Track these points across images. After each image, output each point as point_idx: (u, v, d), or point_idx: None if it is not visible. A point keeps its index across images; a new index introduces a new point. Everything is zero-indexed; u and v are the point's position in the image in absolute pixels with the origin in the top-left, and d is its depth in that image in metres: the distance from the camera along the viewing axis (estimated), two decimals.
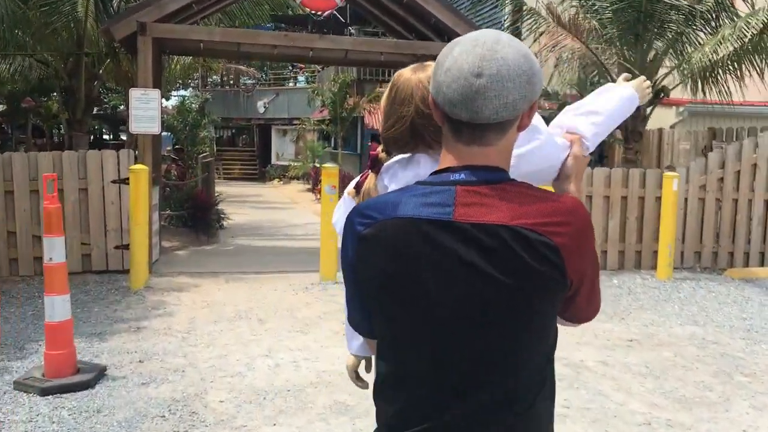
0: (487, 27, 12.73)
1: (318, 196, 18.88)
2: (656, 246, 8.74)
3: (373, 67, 16.67)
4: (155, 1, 8.00)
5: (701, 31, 9.84)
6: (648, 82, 1.92)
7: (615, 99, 1.79)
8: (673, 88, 10.04)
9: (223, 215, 12.37)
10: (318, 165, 21.73)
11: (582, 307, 1.33)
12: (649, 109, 10.00)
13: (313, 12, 8.56)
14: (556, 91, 12.26)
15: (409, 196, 1.26)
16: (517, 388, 1.24)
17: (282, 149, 29.89)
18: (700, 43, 9.71)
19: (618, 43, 9.85)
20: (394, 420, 1.31)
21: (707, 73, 9.59)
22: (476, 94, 1.18)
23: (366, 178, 1.74)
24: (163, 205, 10.42)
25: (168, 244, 9.76)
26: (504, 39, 1.22)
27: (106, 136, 32.64)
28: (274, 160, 29.58)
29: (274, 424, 3.95)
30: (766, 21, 8.79)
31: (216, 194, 13.15)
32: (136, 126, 8.08)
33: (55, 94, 16.02)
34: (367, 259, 1.27)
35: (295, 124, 25.58)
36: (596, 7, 9.95)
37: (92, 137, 24.64)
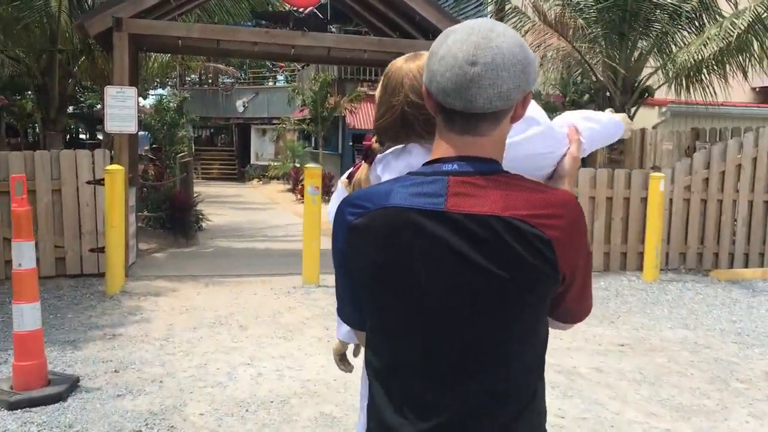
0: None
1: (299, 197, 18.66)
2: (641, 247, 8.66)
3: (356, 65, 16.51)
4: None
5: (685, 30, 9.79)
6: (629, 120, 2.02)
7: (610, 118, 1.85)
8: (658, 87, 9.99)
9: (201, 216, 12.12)
10: (298, 165, 21.52)
11: (573, 304, 1.31)
12: (633, 110, 9.93)
13: (294, 8, 8.36)
14: (538, 90, 12.18)
15: (400, 186, 1.24)
16: (509, 379, 1.22)
17: (261, 149, 29.62)
18: (684, 43, 9.66)
19: (603, 43, 9.77)
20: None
21: (692, 73, 9.54)
22: (470, 83, 1.17)
23: (359, 167, 1.74)
24: (141, 206, 10.16)
25: (145, 247, 9.51)
26: (499, 28, 1.20)
27: (82, 136, 32.05)
28: (253, 160, 29.30)
29: None
30: (751, 20, 8.77)
31: (195, 195, 12.89)
32: (111, 125, 7.82)
33: (29, 92, 15.64)
34: (357, 249, 1.26)
35: (275, 124, 25.33)
36: (581, 5, 9.86)
37: (68, 137, 24.18)
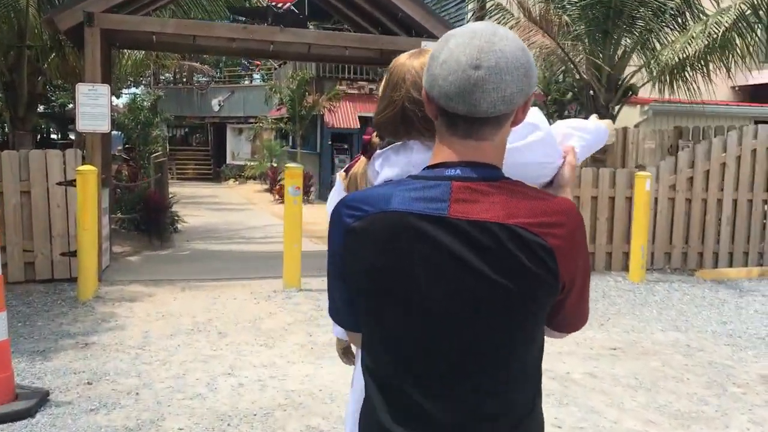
0: (453, 23, 12.46)
1: (276, 197, 18.39)
2: (626, 247, 8.57)
3: (337, 62, 16.23)
4: None
5: (669, 27, 9.72)
6: (613, 126, 2.00)
7: (597, 126, 1.85)
8: (642, 86, 9.91)
9: (177, 218, 11.83)
10: (276, 164, 21.23)
11: (571, 312, 1.30)
12: (617, 108, 9.83)
13: (273, 4, 8.12)
14: None
15: (401, 190, 1.22)
16: (508, 382, 1.22)
17: (238, 148, 29.26)
18: (668, 41, 9.59)
19: (586, 40, 9.65)
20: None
21: (676, 71, 9.47)
22: (474, 87, 1.16)
23: (357, 161, 1.73)
24: (114, 207, 9.85)
25: (119, 250, 9.20)
26: (501, 32, 1.20)
27: (54, 136, 31.42)
28: (229, 160, 28.92)
29: None
30: (735, 17, 8.71)
31: (170, 196, 12.58)
32: (83, 124, 7.52)
33: None
34: (355, 252, 1.24)
35: (252, 123, 25.00)
36: (564, 2, 9.74)
37: (39, 136, 23.65)
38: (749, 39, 9.15)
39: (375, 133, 1.69)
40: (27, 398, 4.03)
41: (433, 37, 8.26)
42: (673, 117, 13.10)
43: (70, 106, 20.94)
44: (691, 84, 9.56)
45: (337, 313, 1.39)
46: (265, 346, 5.37)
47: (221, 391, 4.40)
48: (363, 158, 1.71)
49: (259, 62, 29.95)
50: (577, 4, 9.55)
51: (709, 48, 9.08)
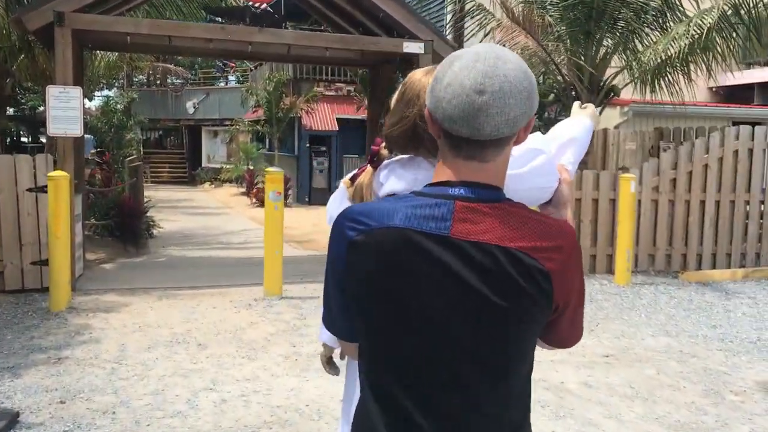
0: (435, 23, 12.29)
1: (253, 200, 18.11)
2: (610, 249, 8.50)
3: (317, 63, 16.02)
4: None
5: (650, 27, 9.67)
6: (597, 113, 1.98)
7: (583, 126, 1.83)
8: (624, 87, 9.85)
9: (152, 223, 11.54)
10: (252, 167, 20.94)
11: (564, 332, 1.32)
12: (599, 109, 9.76)
13: (250, 3, 7.90)
14: None
15: (404, 206, 1.23)
16: (502, 397, 1.24)
17: (213, 151, 28.90)
18: (650, 42, 9.54)
19: (568, 41, 9.57)
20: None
21: (658, 72, 9.42)
22: (478, 111, 1.17)
23: (363, 171, 1.73)
24: (87, 213, 9.54)
25: (93, 257, 8.92)
26: (505, 55, 1.21)
27: (24, 139, 30.80)
28: (204, 163, 28.54)
29: None
30: (717, 18, 8.68)
31: (145, 200, 12.28)
32: (55, 127, 7.25)
33: None
34: (356, 266, 1.25)
35: (227, 125, 24.67)
36: (546, 3, 9.65)
37: (8, 140, 23.12)
38: (731, 40, 9.14)
39: (384, 145, 1.68)
40: None
41: (415, 38, 8.11)
42: (653, 118, 13.08)
43: (41, 108, 20.47)
44: (672, 85, 9.52)
45: (332, 322, 1.40)
46: (247, 358, 5.16)
47: (203, 408, 4.20)
48: (370, 168, 1.70)
49: (234, 64, 29.63)
50: (559, 5, 9.47)
51: (690, 49, 9.04)
